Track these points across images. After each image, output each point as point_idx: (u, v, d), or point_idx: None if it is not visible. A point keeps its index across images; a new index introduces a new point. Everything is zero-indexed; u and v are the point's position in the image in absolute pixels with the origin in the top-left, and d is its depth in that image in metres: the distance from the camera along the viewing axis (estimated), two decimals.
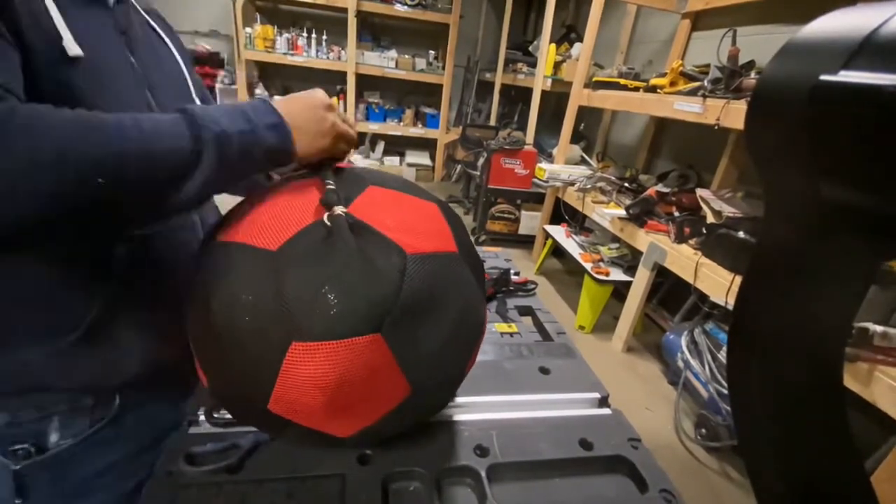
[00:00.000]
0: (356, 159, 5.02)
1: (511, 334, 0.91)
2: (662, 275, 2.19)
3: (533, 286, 1.11)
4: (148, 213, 0.51)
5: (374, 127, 5.06)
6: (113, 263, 0.54)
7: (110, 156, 0.40)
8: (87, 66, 0.49)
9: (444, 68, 4.94)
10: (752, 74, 1.86)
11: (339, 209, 0.45)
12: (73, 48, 0.47)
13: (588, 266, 2.47)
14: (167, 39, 0.68)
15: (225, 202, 0.61)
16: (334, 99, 0.57)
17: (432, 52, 5.04)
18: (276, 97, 0.55)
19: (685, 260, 1.90)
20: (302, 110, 0.53)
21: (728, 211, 1.88)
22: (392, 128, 5.09)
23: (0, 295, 0.50)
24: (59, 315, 0.52)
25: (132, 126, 0.42)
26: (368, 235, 0.45)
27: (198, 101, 0.69)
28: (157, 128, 0.44)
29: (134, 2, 0.64)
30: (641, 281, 2.19)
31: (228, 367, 0.46)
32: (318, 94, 0.56)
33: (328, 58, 4.69)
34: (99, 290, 0.53)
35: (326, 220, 0.44)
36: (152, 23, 0.67)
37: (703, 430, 1.76)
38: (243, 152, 0.48)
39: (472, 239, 3.95)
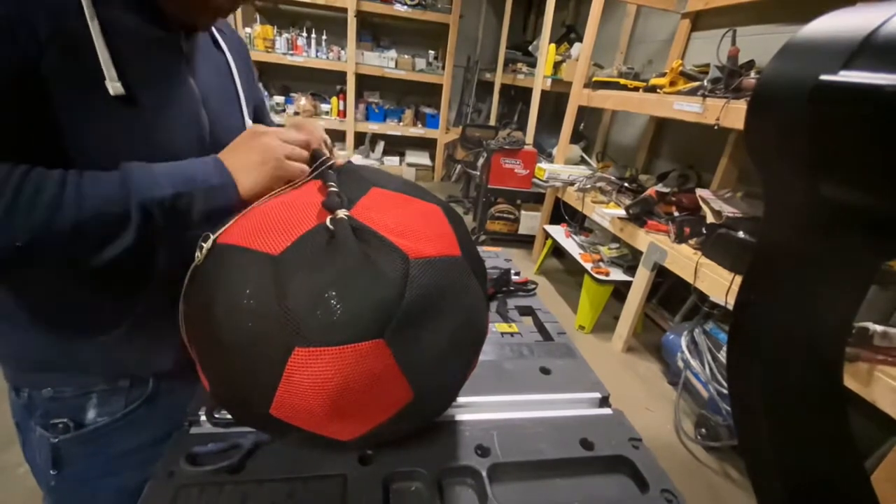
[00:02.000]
0: (356, 159, 5.02)
1: (511, 334, 0.91)
2: (662, 275, 2.19)
3: (533, 286, 1.11)
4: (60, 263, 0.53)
5: (373, 127, 5.07)
6: (154, 273, 0.57)
7: (34, 237, 0.43)
8: (134, 101, 0.51)
9: (443, 68, 4.94)
10: (752, 74, 1.86)
11: (341, 213, 0.45)
12: (114, 87, 0.49)
13: (588, 266, 2.47)
14: (227, 52, 0.68)
15: None
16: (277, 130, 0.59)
17: (432, 52, 5.04)
18: (228, 149, 0.55)
19: (685, 260, 1.91)
20: (248, 164, 0.53)
21: (728, 211, 1.88)
22: (392, 128, 5.09)
23: (55, 297, 0.56)
24: (104, 315, 0.57)
25: (69, 206, 0.45)
26: (371, 240, 0.45)
27: (246, 114, 0.70)
28: (91, 204, 0.46)
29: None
30: (641, 281, 2.19)
31: (230, 371, 0.46)
32: (269, 144, 0.54)
33: (328, 58, 4.70)
34: (141, 295, 0.58)
35: (329, 224, 0.44)
36: (217, 36, 0.68)
37: (703, 430, 1.76)
38: (174, 217, 0.50)
39: (472, 239, 3.96)
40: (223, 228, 0.49)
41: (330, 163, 0.57)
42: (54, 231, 0.44)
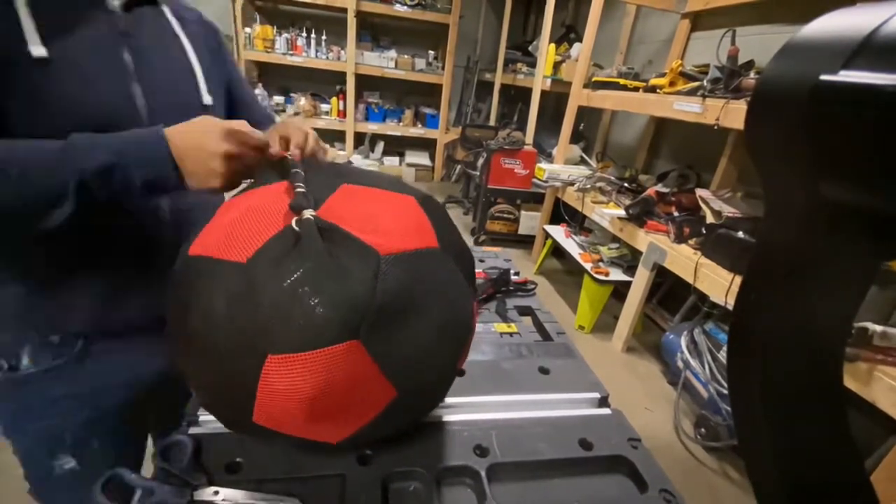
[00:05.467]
0: (356, 159, 5.02)
1: (511, 334, 0.91)
2: (662, 275, 2.19)
3: (532, 286, 1.11)
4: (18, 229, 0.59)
5: (373, 127, 5.06)
6: (55, 234, 0.59)
7: None
8: (56, 66, 0.55)
9: (443, 68, 4.94)
10: (752, 74, 1.86)
11: (307, 213, 0.44)
12: (37, 50, 0.54)
13: (588, 266, 2.47)
14: (186, 43, 0.73)
15: None
16: (233, 125, 0.57)
17: (432, 52, 5.04)
18: (175, 127, 0.57)
19: (685, 260, 1.91)
20: (188, 142, 0.56)
21: (728, 211, 1.88)
22: (392, 128, 5.09)
23: None
24: (21, 267, 0.65)
25: (14, 174, 0.50)
26: (339, 239, 0.44)
27: (206, 96, 0.74)
28: (34, 171, 0.51)
29: (164, 7, 0.71)
30: (641, 281, 2.19)
31: (210, 382, 0.45)
32: (207, 124, 0.57)
33: (327, 58, 4.69)
34: (48, 255, 0.64)
35: (295, 226, 0.43)
36: (174, 24, 0.72)
37: (703, 430, 1.76)
38: (111, 186, 0.54)
39: (472, 239, 3.90)
40: (195, 238, 0.49)
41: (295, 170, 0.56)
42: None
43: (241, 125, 0.58)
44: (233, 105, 0.85)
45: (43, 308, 0.67)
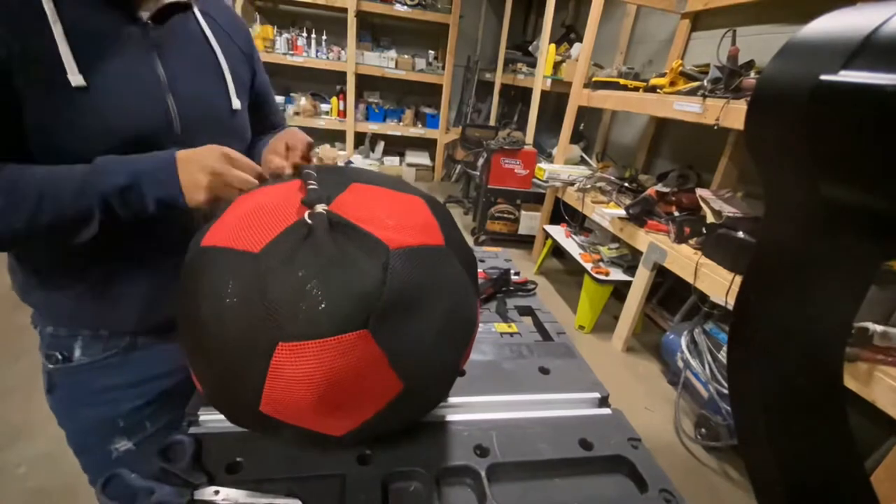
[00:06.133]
0: (356, 159, 5.02)
1: (511, 334, 0.91)
2: (662, 275, 2.19)
3: (533, 286, 1.11)
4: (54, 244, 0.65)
5: (373, 127, 5.07)
6: (105, 244, 0.64)
7: (24, 226, 0.55)
8: (92, 90, 0.58)
9: (443, 68, 4.94)
10: (752, 74, 1.86)
11: (320, 207, 0.45)
12: (75, 79, 0.56)
13: (588, 266, 2.47)
14: (216, 46, 0.74)
15: None
16: (231, 152, 0.62)
17: (432, 52, 5.04)
18: (183, 152, 0.61)
19: (685, 260, 1.91)
20: (187, 156, 0.60)
21: (728, 211, 1.88)
22: (392, 128, 5.09)
23: (42, 255, 0.68)
24: (70, 272, 0.68)
25: (49, 198, 0.55)
26: (350, 232, 0.45)
27: (235, 100, 0.76)
28: (65, 194, 0.55)
29: (196, 11, 0.72)
30: (641, 281, 2.19)
31: (218, 371, 0.46)
32: (212, 146, 0.61)
33: (328, 58, 4.69)
34: (95, 261, 0.68)
35: (307, 219, 0.44)
36: (206, 30, 0.73)
37: (703, 430, 1.76)
38: (129, 204, 0.58)
39: (472, 239, 3.90)
40: (207, 231, 0.49)
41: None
42: (34, 228, 0.55)
43: (237, 154, 0.62)
44: (255, 105, 0.86)
45: (93, 308, 0.71)
